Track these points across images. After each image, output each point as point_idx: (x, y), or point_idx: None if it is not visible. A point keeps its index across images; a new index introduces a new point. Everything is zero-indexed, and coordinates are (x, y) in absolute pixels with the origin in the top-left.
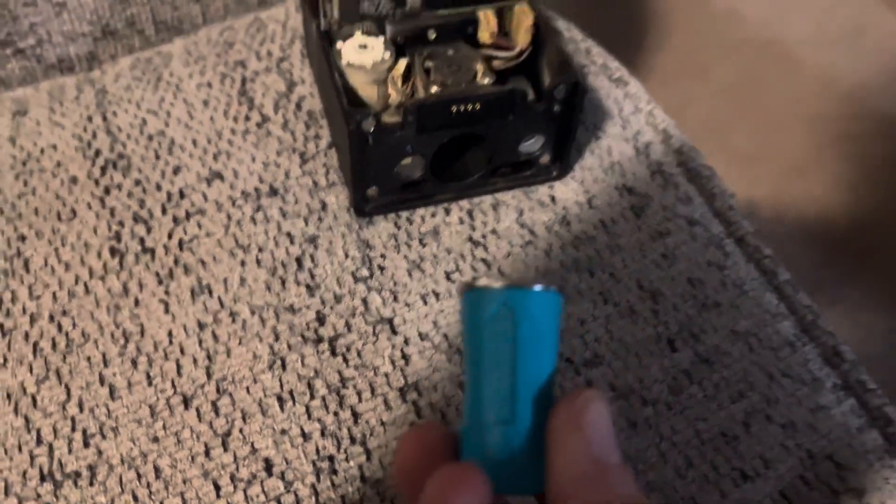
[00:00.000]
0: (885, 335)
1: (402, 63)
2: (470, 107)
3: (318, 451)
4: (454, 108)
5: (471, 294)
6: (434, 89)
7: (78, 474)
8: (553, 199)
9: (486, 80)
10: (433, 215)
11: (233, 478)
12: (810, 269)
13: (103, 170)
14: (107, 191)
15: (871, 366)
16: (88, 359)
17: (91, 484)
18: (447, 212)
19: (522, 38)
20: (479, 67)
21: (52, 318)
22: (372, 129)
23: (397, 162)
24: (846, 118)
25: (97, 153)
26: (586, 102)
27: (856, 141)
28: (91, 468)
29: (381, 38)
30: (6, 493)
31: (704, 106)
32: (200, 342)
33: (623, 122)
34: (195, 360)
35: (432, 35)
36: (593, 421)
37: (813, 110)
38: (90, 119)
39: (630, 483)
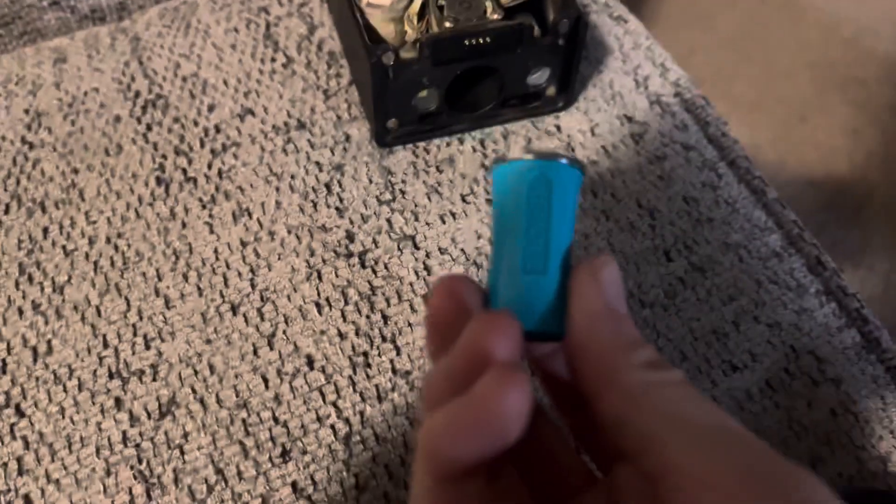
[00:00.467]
0: (885, 275)
1: (418, 2)
2: (481, 40)
3: (353, 348)
4: (466, 42)
5: (514, 163)
6: (447, 25)
7: (142, 372)
8: (559, 128)
9: (496, 16)
10: (448, 145)
11: (279, 372)
12: (812, 211)
13: (144, 109)
14: (149, 127)
15: (870, 304)
16: (144, 274)
17: (154, 379)
18: (461, 141)
19: None
20: (489, 4)
21: (108, 240)
22: (392, 63)
23: (415, 94)
24: (850, 63)
25: (137, 94)
26: (589, 39)
27: (859, 85)
28: (153, 366)
29: None
30: (80, 388)
31: (709, 55)
32: (244, 258)
33: (623, 56)
34: (240, 274)
35: None
36: (608, 277)
37: (817, 56)
38: (127, 64)
39: (633, 327)
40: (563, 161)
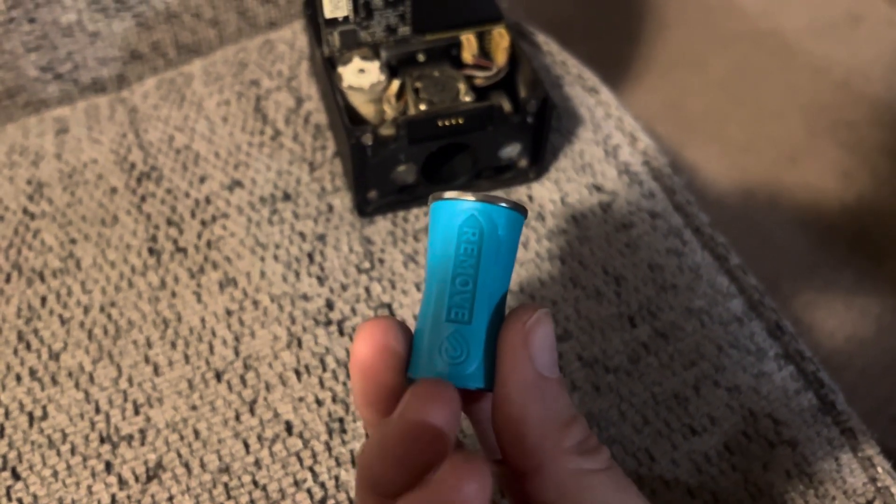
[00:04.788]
0: (877, 317)
1: (395, 84)
2: (454, 121)
3: (329, 414)
4: (440, 122)
5: (444, 203)
6: (423, 106)
7: (131, 437)
8: (531, 197)
9: (468, 98)
10: (425, 214)
11: (259, 438)
12: (804, 254)
13: (139, 180)
14: (143, 199)
15: (862, 347)
16: (135, 342)
17: (142, 444)
18: None
19: (500, 57)
20: (462, 86)
21: (102, 308)
22: (370, 143)
23: (393, 169)
24: (841, 106)
25: (132, 166)
26: (562, 110)
27: (850, 128)
28: (142, 431)
29: (377, 63)
30: (72, 452)
31: (701, 97)
32: (229, 326)
33: (595, 127)
34: (225, 342)
35: (421, 58)
36: (540, 339)
37: (808, 99)
38: (124, 136)
39: (565, 395)
40: (502, 205)
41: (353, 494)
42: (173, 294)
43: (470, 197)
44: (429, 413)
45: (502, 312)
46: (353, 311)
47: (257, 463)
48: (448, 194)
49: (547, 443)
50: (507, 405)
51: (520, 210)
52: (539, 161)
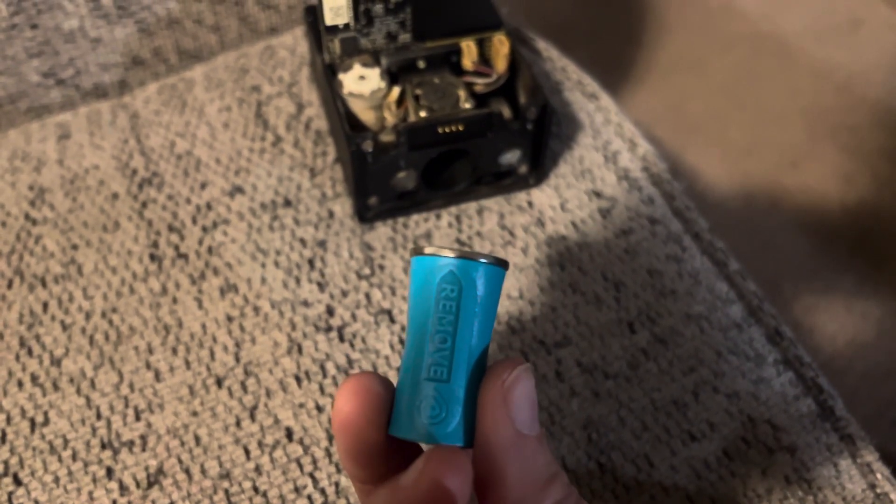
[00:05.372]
0: (878, 321)
1: (396, 90)
2: (454, 127)
3: (330, 420)
4: (440, 129)
5: (423, 259)
6: (423, 113)
7: (132, 442)
8: (530, 203)
9: (468, 105)
10: (426, 220)
11: (260, 444)
12: (805, 257)
13: (140, 186)
14: (144, 205)
15: (864, 351)
16: (136, 348)
17: (143, 450)
18: (438, 217)
19: (500, 64)
20: (462, 93)
21: (103, 314)
22: (370, 150)
23: (393, 175)
24: (842, 109)
25: (134, 172)
26: (561, 116)
27: (851, 132)
28: (143, 437)
29: (377, 69)
30: (74, 458)
31: (702, 100)
32: (229, 332)
33: (594, 132)
34: (226, 348)
35: (422, 65)
36: (519, 397)
37: (809, 102)
38: (126, 142)
39: (545, 452)
40: (482, 260)
41: (352, 501)
42: (174, 300)
43: (449, 252)
44: (444, 479)
45: (483, 367)
46: (354, 317)
47: (258, 469)
48: (427, 249)
49: (526, 503)
50: (487, 464)
51: (500, 264)
52: (539, 167)
